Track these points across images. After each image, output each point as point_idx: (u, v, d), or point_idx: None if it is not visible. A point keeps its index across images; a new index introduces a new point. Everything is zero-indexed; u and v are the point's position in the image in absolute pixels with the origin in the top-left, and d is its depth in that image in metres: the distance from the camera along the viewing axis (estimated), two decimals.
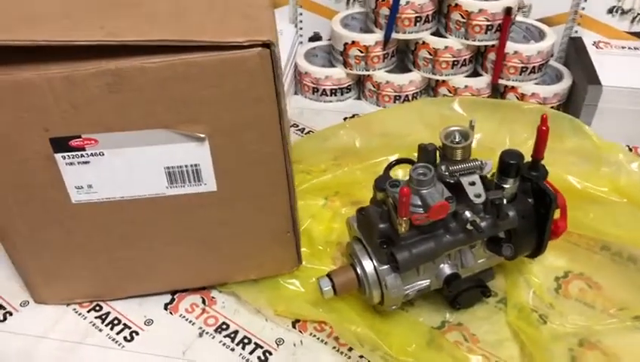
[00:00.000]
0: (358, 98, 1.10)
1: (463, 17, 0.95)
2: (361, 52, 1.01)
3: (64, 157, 0.56)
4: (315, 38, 1.14)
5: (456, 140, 0.63)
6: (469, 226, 0.60)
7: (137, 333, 0.68)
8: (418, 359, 0.63)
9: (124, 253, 0.66)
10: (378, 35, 1.00)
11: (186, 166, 0.59)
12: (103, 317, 0.70)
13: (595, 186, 0.80)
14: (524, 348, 0.65)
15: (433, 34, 1.00)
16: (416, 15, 0.96)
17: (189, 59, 0.51)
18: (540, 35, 1.01)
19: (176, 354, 0.66)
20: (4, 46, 0.49)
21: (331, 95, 1.07)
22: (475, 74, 1.04)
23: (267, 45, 0.51)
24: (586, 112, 0.95)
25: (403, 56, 1.06)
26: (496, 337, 0.66)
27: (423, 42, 1.00)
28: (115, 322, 0.69)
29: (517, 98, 1.01)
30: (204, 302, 0.72)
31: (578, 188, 0.80)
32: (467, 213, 0.60)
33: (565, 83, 1.00)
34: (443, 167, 0.63)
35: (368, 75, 1.05)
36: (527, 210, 0.64)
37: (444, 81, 1.03)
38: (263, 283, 0.71)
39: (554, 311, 0.68)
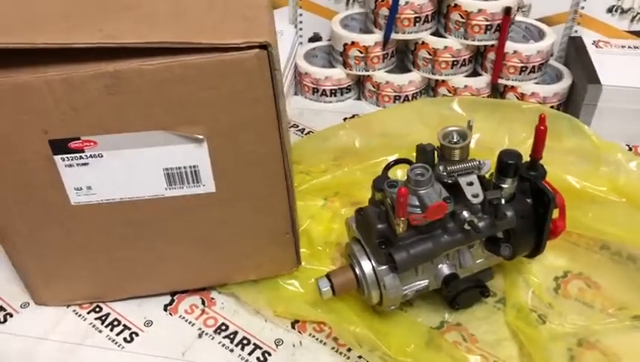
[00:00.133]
0: (358, 98, 1.10)
1: (463, 17, 0.95)
2: (361, 52, 1.01)
3: (63, 159, 0.57)
4: (315, 38, 1.14)
5: (454, 140, 0.63)
6: (466, 226, 0.60)
7: (137, 334, 0.68)
8: (417, 359, 0.63)
9: (123, 254, 0.66)
10: (378, 36, 1.00)
11: (185, 167, 0.59)
12: (103, 318, 0.70)
13: (593, 186, 0.80)
14: (522, 347, 0.65)
15: (433, 34, 1.00)
16: (416, 15, 0.96)
17: (187, 60, 0.51)
18: (540, 35, 1.01)
19: (175, 355, 0.66)
20: (3, 49, 0.49)
21: (331, 95, 1.07)
22: (474, 74, 1.04)
23: (264, 47, 0.51)
24: (585, 111, 0.95)
25: (403, 57, 1.06)
26: (495, 337, 0.66)
27: (423, 42, 1.00)
28: (115, 323, 0.70)
29: (517, 98, 1.01)
30: (203, 303, 0.72)
31: (577, 187, 0.80)
32: (465, 213, 0.60)
33: (565, 82, 1.00)
34: (441, 168, 0.63)
35: (368, 76, 1.05)
36: (525, 209, 0.64)
37: (443, 81, 1.03)
38: (262, 283, 0.71)
39: (553, 310, 0.68)
